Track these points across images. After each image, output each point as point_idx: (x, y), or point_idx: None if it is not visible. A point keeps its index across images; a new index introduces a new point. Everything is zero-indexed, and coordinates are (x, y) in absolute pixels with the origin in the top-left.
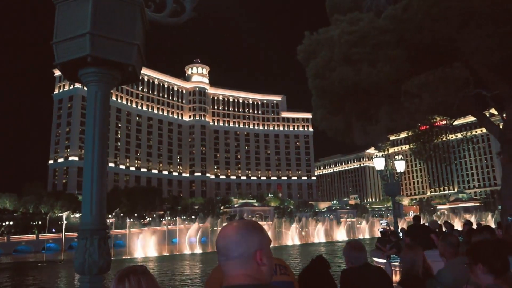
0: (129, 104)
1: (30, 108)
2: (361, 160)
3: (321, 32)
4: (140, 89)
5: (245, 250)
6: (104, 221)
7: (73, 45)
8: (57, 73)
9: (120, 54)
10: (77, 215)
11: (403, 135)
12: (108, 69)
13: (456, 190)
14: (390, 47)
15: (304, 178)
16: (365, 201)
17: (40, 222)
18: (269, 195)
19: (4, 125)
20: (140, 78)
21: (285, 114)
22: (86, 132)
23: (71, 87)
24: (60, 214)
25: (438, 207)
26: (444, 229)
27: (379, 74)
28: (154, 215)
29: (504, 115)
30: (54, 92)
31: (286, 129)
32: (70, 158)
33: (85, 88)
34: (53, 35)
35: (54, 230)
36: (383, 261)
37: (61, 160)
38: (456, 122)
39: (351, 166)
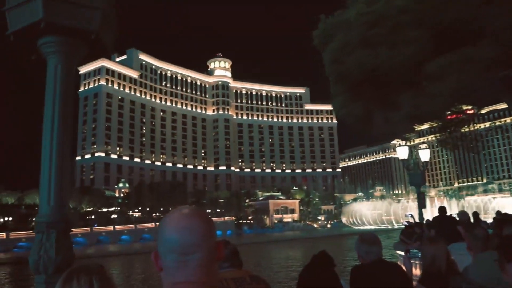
0: (153, 100)
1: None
2: (387, 151)
3: (337, 15)
4: (163, 84)
5: (213, 242)
6: (64, 212)
7: (25, 10)
8: (83, 70)
9: (79, 19)
10: (104, 209)
11: (428, 125)
12: (68, 37)
13: (485, 181)
14: (410, 27)
15: (329, 170)
16: (391, 192)
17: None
18: (294, 188)
19: (33, 123)
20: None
21: (308, 106)
22: (45, 112)
23: (96, 85)
24: (88, 209)
25: (467, 198)
26: (472, 221)
27: (399, 56)
28: None
29: None
30: (80, 90)
31: (310, 121)
32: (97, 154)
33: (109, 85)
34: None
35: (96, 225)
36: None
37: (88, 156)
38: (485, 110)
39: (376, 157)
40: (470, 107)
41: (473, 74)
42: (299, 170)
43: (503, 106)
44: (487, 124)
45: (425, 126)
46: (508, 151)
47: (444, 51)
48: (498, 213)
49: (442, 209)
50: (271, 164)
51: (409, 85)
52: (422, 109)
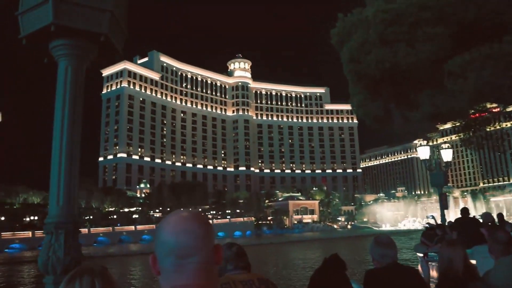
0: (173, 101)
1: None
2: (409, 151)
3: (356, 12)
4: (184, 85)
5: (211, 245)
6: (73, 213)
7: (37, 14)
8: (105, 73)
9: (89, 22)
10: (126, 209)
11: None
12: (78, 40)
13: (511, 181)
14: (430, 24)
15: (349, 170)
16: (413, 193)
17: (91, 217)
18: (314, 189)
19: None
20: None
21: (328, 106)
22: (55, 113)
23: (118, 87)
24: (110, 209)
25: (492, 199)
26: (497, 223)
27: (419, 54)
28: (200, 210)
29: None
30: (103, 92)
31: (330, 121)
32: (119, 155)
33: (131, 87)
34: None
35: (119, 224)
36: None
37: (110, 157)
38: (510, 108)
39: (398, 157)
40: (494, 105)
41: (496, 71)
42: (319, 171)
43: None
44: None
45: (448, 125)
46: None
47: (466, 47)
48: None
49: (464, 210)
50: (291, 165)
51: (429, 83)
52: (443, 108)
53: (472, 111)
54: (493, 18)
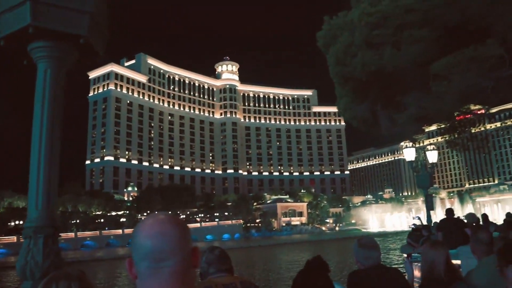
0: (161, 104)
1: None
2: (396, 153)
3: (341, 15)
4: (171, 88)
5: (188, 249)
6: (52, 217)
7: (14, 15)
8: (92, 75)
9: (68, 23)
10: (113, 213)
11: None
12: (57, 42)
13: (496, 181)
14: (415, 27)
15: (337, 172)
16: (400, 195)
17: (78, 221)
18: (302, 191)
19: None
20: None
21: (316, 109)
22: (34, 116)
23: (105, 89)
24: (98, 213)
25: (478, 199)
26: (482, 223)
27: (404, 56)
28: (188, 213)
29: None
30: (89, 95)
31: (317, 123)
32: (106, 158)
33: (118, 90)
34: None
35: (107, 228)
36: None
37: (97, 160)
38: (495, 110)
39: (385, 159)
40: (479, 107)
41: (480, 73)
42: (307, 173)
43: None
44: (498, 124)
45: (434, 127)
46: None
47: (451, 50)
48: (508, 214)
49: (449, 211)
50: (279, 167)
51: (415, 86)
52: (429, 109)
53: (457, 113)
54: (476, 21)
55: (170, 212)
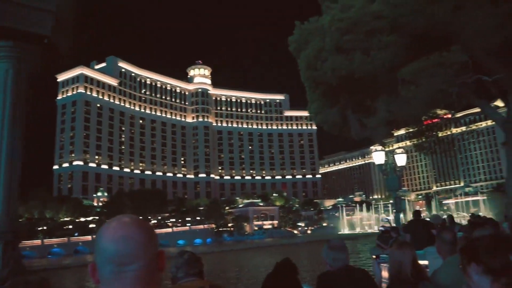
0: (132, 107)
1: (34, 113)
2: (366, 156)
3: (312, 21)
4: (143, 92)
5: (153, 252)
6: (13, 223)
7: None
8: (61, 78)
9: (30, 23)
10: (82, 219)
11: (405, 130)
12: (20, 42)
13: (462, 184)
14: (384, 33)
15: (309, 176)
16: (371, 198)
17: (45, 227)
18: (274, 195)
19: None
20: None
21: (288, 113)
22: None
23: (74, 92)
24: (66, 219)
25: (444, 201)
26: (448, 224)
27: (374, 62)
28: (159, 217)
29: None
30: (58, 98)
31: (289, 127)
32: (75, 163)
33: (88, 93)
34: None
35: (77, 234)
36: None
37: (66, 165)
38: (460, 115)
39: (356, 163)
40: (445, 111)
41: (445, 79)
42: (279, 177)
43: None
44: (463, 129)
45: (402, 131)
46: (484, 155)
47: (418, 56)
48: (473, 215)
49: (417, 213)
50: (251, 171)
51: (385, 90)
52: (398, 114)
53: (425, 117)
54: (441, 29)
55: (135, 215)
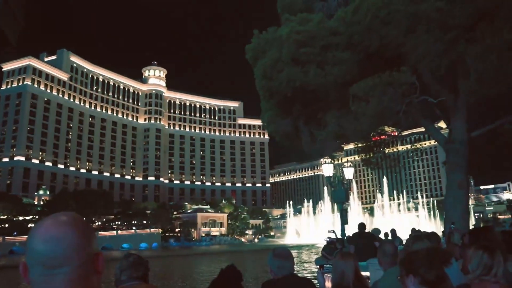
0: (82, 104)
1: None
2: (315, 168)
3: (271, 31)
4: (94, 89)
5: (89, 254)
6: None
7: None
8: (6, 67)
9: None
10: (20, 218)
11: (354, 145)
12: None
13: (405, 199)
14: (339, 49)
15: (259, 185)
16: (318, 209)
17: None
18: (223, 202)
19: None
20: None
21: (241, 121)
22: None
23: (20, 84)
24: (2, 217)
25: (388, 215)
26: (389, 237)
27: (327, 76)
28: (104, 220)
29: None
30: (1, 88)
31: (242, 135)
32: (16, 158)
33: (35, 86)
34: None
35: (15, 233)
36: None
37: (5, 159)
38: (406, 133)
39: (305, 174)
40: (392, 129)
41: (394, 98)
42: (229, 184)
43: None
44: (408, 146)
45: (352, 146)
46: (426, 172)
47: (370, 73)
48: (413, 229)
49: (361, 226)
50: (201, 177)
51: (336, 105)
52: (347, 128)
53: (373, 133)
54: (393, 49)
55: (73, 213)
